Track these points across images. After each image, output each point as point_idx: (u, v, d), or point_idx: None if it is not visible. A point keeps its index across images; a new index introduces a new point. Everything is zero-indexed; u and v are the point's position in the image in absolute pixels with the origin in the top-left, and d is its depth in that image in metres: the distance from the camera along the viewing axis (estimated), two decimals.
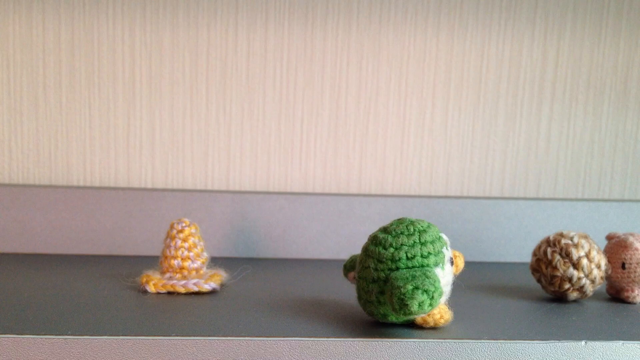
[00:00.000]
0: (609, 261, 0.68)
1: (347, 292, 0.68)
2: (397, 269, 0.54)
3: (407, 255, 0.54)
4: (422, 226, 0.56)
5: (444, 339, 0.55)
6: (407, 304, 0.51)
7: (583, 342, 0.56)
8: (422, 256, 0.55)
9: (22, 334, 0.52)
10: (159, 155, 0.86)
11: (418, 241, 0.55)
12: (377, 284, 0.55)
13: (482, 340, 0.55)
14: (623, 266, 0.67)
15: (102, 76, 0.84)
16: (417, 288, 0.51)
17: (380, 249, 0.55)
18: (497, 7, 0.87)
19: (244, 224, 0.83)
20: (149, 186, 0.86)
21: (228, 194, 0.83)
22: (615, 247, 0.68)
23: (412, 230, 0.56)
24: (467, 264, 0.85)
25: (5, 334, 0.52)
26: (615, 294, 0.69)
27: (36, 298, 0.62)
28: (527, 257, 0.86)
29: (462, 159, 0.89)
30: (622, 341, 0.56)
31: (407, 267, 0.54)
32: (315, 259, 0.84)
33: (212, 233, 0.83)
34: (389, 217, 0.84)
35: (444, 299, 0.56)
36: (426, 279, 0.52)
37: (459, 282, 0.74)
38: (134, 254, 0.83)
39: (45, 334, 0.52)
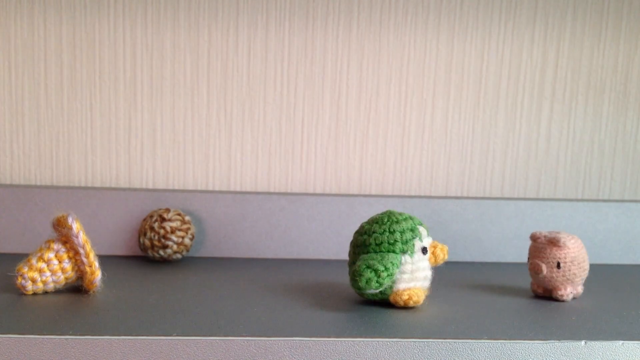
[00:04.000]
0: (541, 261, 0.68)
1: (347, 292, 0.68)
2: (367, 252, 0.63)
3: (375, 242, 0.63)
4: (397, 218, 0.64)
5: (444, 339, 0.55)
6: (356, 279, 0.60)
7: (583, 342, 0.56)
8: (389, 243, 0.62)
9: (23, 334, 0.52)
10: (160, 155, 0.86)
11: (387, 230, 0.63)
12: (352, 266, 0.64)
13: (482, 340, 0.55)
14: (558, 265, 0.67)
15: (104, 77, 0.84)
16: (368, 267, 0.60)
17: (357, 235, 0.65)
18: (497, 8, 0.87)
19: (245, 224, 0.83)
20: (150, 187, 0.86)
21: (229, 195, 0.83)
22: (548, 247, 0.68)
23: (385, 220, 0.63)
24: (467, 264, 0.85)
25: (6, 333, 0.52)
26: (544, 293, 0.70)
27: (37, 298, 0.62)
28: (527, 258, 0.86)
29: (462, 160, 0.89)
30: (622, 341, 0.56)
31: (375, 252, 0.62)
32: (316, 259, 0.84)
33: (213, 233, 0.83)
34: None
35: (419, 283, 0.63)
36: (378, 260, 0.60)
37: (459, 282, 0.75)
38: (136, 254, 0.83)
39: (46, 334, 0.52)
